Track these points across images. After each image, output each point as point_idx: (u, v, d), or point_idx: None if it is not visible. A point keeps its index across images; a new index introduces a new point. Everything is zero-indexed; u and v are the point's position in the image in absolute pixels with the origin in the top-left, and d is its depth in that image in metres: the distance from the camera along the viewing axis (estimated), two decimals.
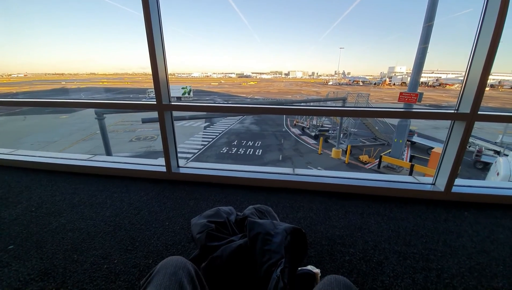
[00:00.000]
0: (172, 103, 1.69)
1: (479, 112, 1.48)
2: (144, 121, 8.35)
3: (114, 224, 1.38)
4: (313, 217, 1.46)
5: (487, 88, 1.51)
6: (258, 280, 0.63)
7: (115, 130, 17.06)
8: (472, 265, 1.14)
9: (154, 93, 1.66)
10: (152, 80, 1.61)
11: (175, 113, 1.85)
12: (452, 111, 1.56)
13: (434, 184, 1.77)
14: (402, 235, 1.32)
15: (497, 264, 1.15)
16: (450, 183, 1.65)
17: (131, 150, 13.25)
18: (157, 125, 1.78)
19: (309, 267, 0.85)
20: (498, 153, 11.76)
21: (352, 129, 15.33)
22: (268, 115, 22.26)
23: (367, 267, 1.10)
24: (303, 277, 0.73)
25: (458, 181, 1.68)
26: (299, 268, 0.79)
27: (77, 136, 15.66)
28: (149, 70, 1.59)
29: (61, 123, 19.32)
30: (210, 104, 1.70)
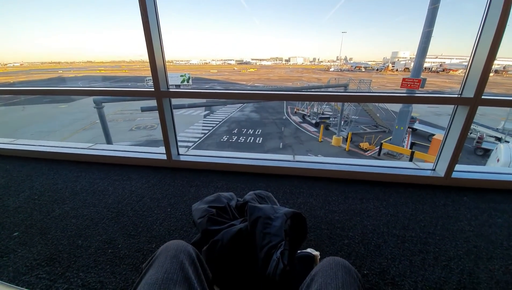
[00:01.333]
0: (170, 90, 1.66)
1: (482, 97, 1.45)
2: (143, 109, 8.27)
3: (116, 211, 1.40)
4: (313, 203, 1.47)
5: (491, 74, 1.47)
6: (258, 262, 0.64)
7: (115, 119, 16.99)
8: (469, 248, 1.16)
9: (152, 81, 1.63)
10: (150, 67, 1.57)
11: (174, 101, 1.83)
12: (456, 96, 1.53)
13: (434, 169, 1.77)
14: (400, 219, 1.34)
15: (494, 247, 1.17)
16: (450, 168, 1.65)
17: (132, 139, 13.26)
18: (156, 114, 1.76)
19: (309, 250, 0.87)
20: (499, 139, 11.73)
21: (353, 116, 15.22)
22: (268, 103, 22.05)
23: (365, 250, 1.12)
24: (302, 259, 0.75)
25: (458, 167, 1.68)
26: (298, 251, 0.81)
27: (77, 126, 15.63)
28: (146, 57, 1.55)
29: (60, 113, 19.22)
30: (209, 90, 1.67)
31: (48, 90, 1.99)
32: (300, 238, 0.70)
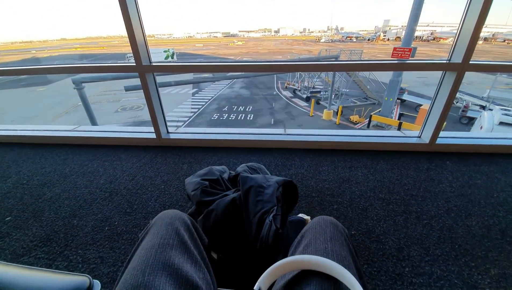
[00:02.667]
0: (153, 64, 1.57)
1: (470, 62, 1.46)
2: (127, 89, 7.87)
3: (109, 191, 1.40)
4: (304, 173, 1.51)
5: (480, 42, 1.47)
6: (252, 228, 0.67)
7: (98, 101, 16.25)
8: (449, 207, 1.25)
9: (133, 57, 1.53)
10: (129, 42, 1.46)
11: (159, 80, 1.75)
12: (444, 61, 1.53)
13: (420, 137, 1.83)
14: (386, 185, 1.40)
15: (472, 205, 1.25)
16: (435, 135, 1.70)
17: (118, 121, 12.85)
18: (142, 94, 1.69)
19: (300, 215, 0.91)
20: (483, 108, 12.09)
21: (343, 90, 15.15)
22: (258, 78, 21.47)
23: (353, 213, 1.19)
24: (294, 223, 0.79)
25: (442, 133, 1.74)
26: (290, 217, 0.85)
27: (59, 109, 14.89)
28: (124, 32, 1.44)
29: (39, 96, 18.13)
30: (195, 63, 1.59)
31: (24, 69, 1.85)
32: (291, 204, 0.73)
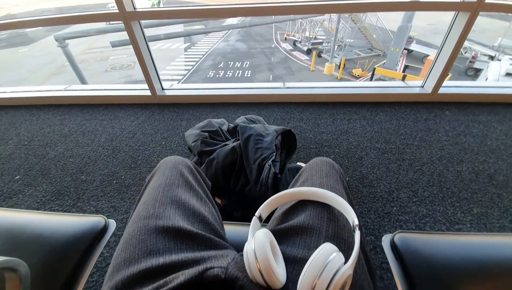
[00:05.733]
0: (138, 10, 1.42)
1: (486, 1, 1.32)
2: (114, 44, 7.30)
3: (112, 148, 1.43)
4: (303, 126, 1.52)
5: None
6: (252, 174, 0.70)
7: (85, 60, 15.31)
8: (442, 154, 1.29)
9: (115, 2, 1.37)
10: None
11: (147, 33, 1.61)
12: (458, 0, 1.39)
13: (422, 86, 1.78)
14: (383, 135, 1.43)
15: (465, 153, 1.29)
16: (438, 84, 1.65)
17: (110, 82, 12.34)
18: (132, 51, 1.57)
19: (298, 163, 0.95)
20: (492, 58, 11.47)
21: (347, 40, 14.13)
22: (255, 29, 19.80)
23: (349, 161, 1.24)
24: (292, 170, 0.83)
25: (446, 83, 1.69)
26: (289, 164, 0.89)
27: (47, 71, 14.14)
28: None
29: (23, 58, 16.97)
30: (185, 7, 1.43)
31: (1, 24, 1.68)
32: (290, 151, 0.75)
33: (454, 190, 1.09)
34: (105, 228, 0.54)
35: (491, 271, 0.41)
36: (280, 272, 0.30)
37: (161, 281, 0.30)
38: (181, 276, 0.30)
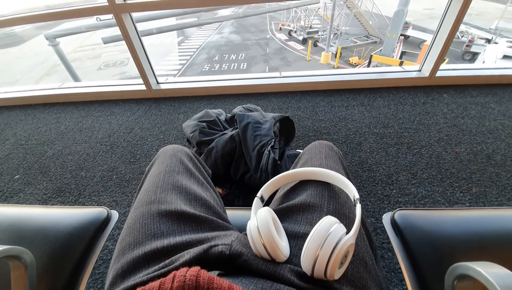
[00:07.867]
0: (129, 1, 1.39)
1: None
2: (106, 41, 7.12)
3: (110, 144, 1.42)
4: (301, 115, 1.52)
5: None
6: (251, 161, 0.70)
7: (78, 58, 15.05)
8: (440, 136, 1.29)
9: None
10: None
11: (139, 28, 1.58)
12: None
13: (420, 70, 1.76)
14: (381, 120, 1.43)
15: (463, 134, 1.29)
16: (435, 67, 1.64)
17: (104, 80, 12.18)
18: (124, 47, 1.54)
19: (297, 150, 0.95)
20: (489, 41, 11.37)
21: (343, 28, 13.93)
22: (249, 20, 19.45)
23: (347, 147, 1.24)
24: (291, 156, 0.83)
25: (443, 66, 1.68)
26: (288, 151, 0.89)
27: (39, 71, 13.92)
28: None
29: (14, 58, 16.65)
30: None
31: None
32: (288, 138, 0.75)
33: (452, 171, 1.10)
34: (108, 219, 0.54)
35: (489, 242, 0.42)
36: (283, 245, 0.30)
37: (167, 261, 0.31)
38: (186, 255, 0.31)
